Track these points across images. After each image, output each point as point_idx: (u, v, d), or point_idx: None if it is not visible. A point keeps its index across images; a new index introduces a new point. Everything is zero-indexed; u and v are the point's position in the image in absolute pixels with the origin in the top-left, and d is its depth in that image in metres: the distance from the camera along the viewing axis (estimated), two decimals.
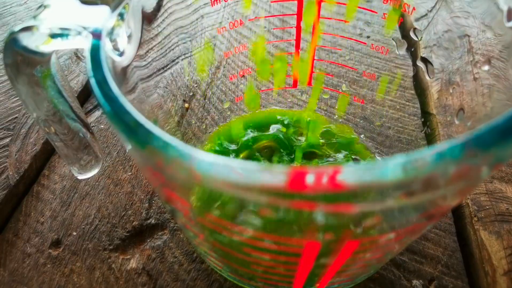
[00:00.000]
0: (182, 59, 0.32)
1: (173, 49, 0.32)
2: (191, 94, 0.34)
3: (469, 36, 0.29)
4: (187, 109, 0.33)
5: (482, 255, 0.26)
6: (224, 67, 0.35)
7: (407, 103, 0.32)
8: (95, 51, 0.17)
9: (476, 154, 0.11)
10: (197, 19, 0.33)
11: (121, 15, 0.20)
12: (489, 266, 0.25)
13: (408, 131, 0.31)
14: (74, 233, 0.28)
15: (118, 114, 0.14)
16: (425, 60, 0.28)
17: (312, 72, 0.31)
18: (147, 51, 0.29)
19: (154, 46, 0.30)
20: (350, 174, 0.10)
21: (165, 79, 0.31)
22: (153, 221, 0.29)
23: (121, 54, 0.20)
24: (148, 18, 0.26)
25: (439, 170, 0.11)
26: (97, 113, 0.38)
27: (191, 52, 0.33)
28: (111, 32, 0.20)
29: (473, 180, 0.14)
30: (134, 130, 0.13)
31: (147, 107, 0.26)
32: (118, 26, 0.20)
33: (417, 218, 0.14)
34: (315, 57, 0.30)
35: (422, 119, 0.28)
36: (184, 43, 0.32)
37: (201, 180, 0.12)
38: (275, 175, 0.11)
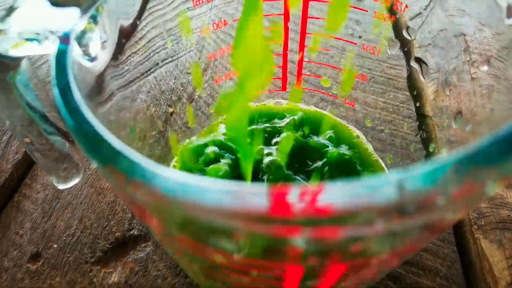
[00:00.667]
0: (168, 62, 0.31)
1: (158, 52, 0.31)
2: (176, 98, 0.32)
3: (465, 35, 0.28)
4: (171, 114, 0.32)
5: (483, 265, 0.24)
6: (211, 69, 0.34)
7: (401, 104, 0.31)
8: (61, 57, 0.16)
9: (481, 170, 0.10)
10: (182, 21, 0.31)
11: (93, 18, 0.19)
12: (491, 278, 0.23)
13: (402, 134, 0.30)
14: (55, 246, 0.27)
15: (80, 127, 0.13)
16: (419, 60, 0.27)
17: (301, 74, 0.29)
18: (130, 55, 0.27)
19: (138, 49, 0.28)
20: (341, 196, 0.09)
21: (148, 83, 0.30)
22: (136, 232, 0.27)
23: (92, 59, 0.19)
24: (127, 31, 0.24)
25: (438, 189, 0.09)
26: None
27: (177, 54, 0.32)
28: (81, 36, 0.18)
29: (477, 196, 0.13)
30: (95, 146, 0.12)
31: (127, 114, 0.24)
32: (90, 29, 0.19)
33: (414, 238, 0.13)
34: (304, 59, 0.28)
35: (418, 122, 0.27)
36: (172, 45, 0.31)
37: (168, 205, 0.11)
38: (255, 197, 0.09)
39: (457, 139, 0.26)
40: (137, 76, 0.28)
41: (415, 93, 0.27)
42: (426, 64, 0.27)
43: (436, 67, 0.29)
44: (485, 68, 0.26)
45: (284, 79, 0.31)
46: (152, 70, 0.30)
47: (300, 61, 0.29)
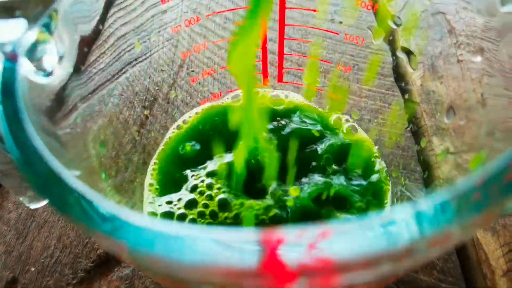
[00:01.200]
0: (141, 60, 0.29)
1: (129, 50, 0.28)
2: (152, 99, 0.30)
3: (444, 13, 0.26)
4: (147, 116, 0.30)
5: (479, 256, 0.23)
6: (187, 65, 0.32)
7: (388, 92, 0.30)
8: (6, 77, 0.14)
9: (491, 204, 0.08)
10: (152, 16, 0.29)
11: (46, 27, 0.17)
12: (487, 268, 0.23)
13: (391, 124, 0.29)
14: (32, 269, 0.25)
15: (30, 164, 0.11)
16: (406, 50, 0.25)
17: (282, 67, 0.27)
18: (98, 57, 0.25)
19: (106, 49, 0.26)
20: (345, 246, 0.08)
21: (120, 86, 0.27)
22: None
23: (48, 74, 0.16)
24: (89, 39, 0.22)
25: (453, 228, 0.08)
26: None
27: (150, 51, 0.30)
28: (32, 49, 0.16)
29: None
30: (50, 190, 0.10)
31: (97, 123, 0.22)
32: (43, 40, 0.17)
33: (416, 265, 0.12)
34: (284, 51, 0.27)
35: (407, 115, 0.26)
36: (143, 42, 0.29)
37: (135, 260, 0.09)
38: (243, 253, 0.08)
39: (447, 126, 0.25)
40: (108, 79, 0.26)
41: (403, 84, 0.26)
42: (414, 54, 0.25)
43: (417, 49, 0.28)
44: (473, 50, 0.24)
45: (264, 73, 0.30)
46: (123, 70, 0.28)
47: (281, 54, 0.27)
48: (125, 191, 0.24)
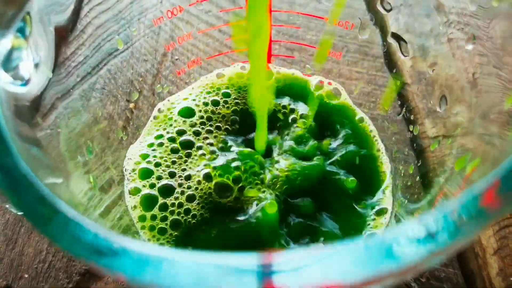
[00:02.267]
0: (122, 50, 0.28)
1: (109, 40, 0.27)
2: (136, 91, 0.29)
3: None
4: (132, 110, 0.29)
5: None
6: (172, 53, 0.31)
7: (378, 73, 0.29)
8: None
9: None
10: (131, 2, 0.28)
11: (20, 32, 0.16)
12: (479, 247, 0.23)
13: (382, 106, 0.29)
14: (26, 275, 0.24)
15: (16, 191, 0.11)
16: (396, 37, 0.25)
17: (270, 54, 0.27)
18: (76, 49, 0.24)
19: (85, 40, 0.25)
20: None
21: (101, 79, 0.26)
22: None
23: (27, 82, 0.16)
24: (63, 30, 0.21)
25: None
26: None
27: (131, 40, 0.29)
28: (8, 59, 0.15)
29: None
30: (31, 213, 0.10)
31: (77, 123, 0.21)
32: (19, 47, 0.16)
33: None
34: (272, 38, 0.26)
35: (399, 102, 0.25)
36: (124, 30, 0.28)
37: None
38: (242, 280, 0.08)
39: (439, 108, 0.25)
40: (88, 72, 0.25)
41: (394, 71, 0.25)
42: (405, 41, 0.25)
43: (406, 28, 0.27)
44: (463, 28, 0.24)
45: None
46: (104, 62, 0.27)
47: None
48: (113, 193, 0.23)
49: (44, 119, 0.19)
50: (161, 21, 0.27)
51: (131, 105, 0.29)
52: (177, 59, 0.30)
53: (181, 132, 0.27)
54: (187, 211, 0.23)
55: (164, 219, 0.23)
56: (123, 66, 0.28)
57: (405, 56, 0.24)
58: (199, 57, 0.29)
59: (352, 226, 0.22)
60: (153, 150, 0.27)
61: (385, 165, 0.25)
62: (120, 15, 0.27)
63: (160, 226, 0.23)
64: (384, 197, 0.23)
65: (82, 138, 0.22)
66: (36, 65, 0.15)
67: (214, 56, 0.29)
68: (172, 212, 0.23)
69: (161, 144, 0.26)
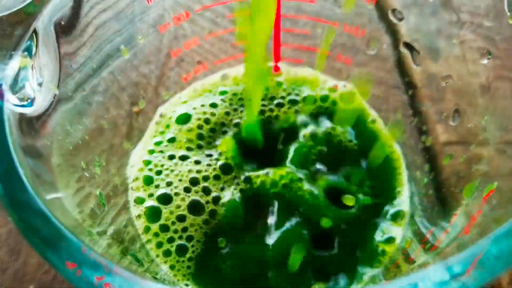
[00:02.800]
0: (124, 50, 0.27)
1: (111, 41, 0.26)
2: (141, 93, 0.29)
3: None
4: (137, 113, 0.28)
5: None
6: (177, 55, 0.30)
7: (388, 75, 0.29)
8: None
9: None
10: (133, 1, 0.27)
11: (28, 51, 0.15)
12: None
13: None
14: (31, 287, 0.25)
15: (32, 229, 0.10)
16: (409, 46, 0.24)
17: (279, 45, 0.26)
18: (77, 49, 0.23)
19: (86, 41, 0.24)
20: None
21: (104, 82, 0.26)
22: None
23: (32, 101, 0.15)
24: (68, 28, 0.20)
25: None
26: None
27: (135, 39, 0.28)
28: (15, 80, 0.15)
29: None
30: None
31: (79, 130, 0.20)
32: (25, 66, 0.15)
33: None
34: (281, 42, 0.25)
35: (411, 110, 0.25)
36: (126, 30, 0.27)
37: None
38: None
39: (450, 113, 0.25)
40: (90, 75, 0.24)
41: (406, 80, 0.25)
42: (418, 52, 0.24)
43: (415, 27, 0.27)
44: (475, 28, 0.24)
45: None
46: (106, 64, 0.26)
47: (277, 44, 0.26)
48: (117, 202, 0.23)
49: (45, 126, 0.18)
50: (165, 21, 0.26)
51: (135, 109, 0.28)
52: (182, 60, 0.30)
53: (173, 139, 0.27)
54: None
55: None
56: (126, 68, 0.27)
57: (417, 66, 0.24)
58: (206, 61, 0.28)
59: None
60: (155, 156, 0.26)
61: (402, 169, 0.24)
62: (122, 14, 0.26)
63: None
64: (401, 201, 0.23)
65: (84, 146, 0.21)
66: (40, 84, 0.15)
67: (222, 60, 0.28)
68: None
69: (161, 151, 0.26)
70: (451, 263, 0.08)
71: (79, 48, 0.22)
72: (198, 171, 0.25)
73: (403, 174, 0.23)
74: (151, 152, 0.26)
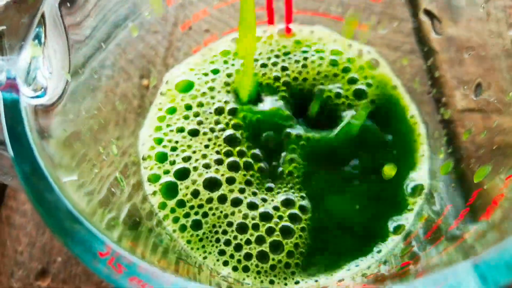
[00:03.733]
0: (131, 21, 0.27)
1: (116, 11, 0.26)
2: (149, 65, 0.28)
3: None
4: (147, 86, 0.28)
5: None
6: (182, 23, 0.29)
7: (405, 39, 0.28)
8: (13, 118, 0.13)
9: None
10: None
11: (38, 38, 0.15)
12: None
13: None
14: (59, 259, 0.25)
15: (62, 227, 0.11)
16: (429, 14, 0.23)
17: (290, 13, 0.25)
18: (82, 21, 0.22)
19: (90, 11, 0.24)
20: None
21: (111, 55, 0.25)
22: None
23: (45, 91, 0.15)
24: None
25: None
26: None
27: (139, 8, 0.27)
28: (28, 71, 0.15)
29: None
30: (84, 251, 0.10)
31: (91, 105, 0.20)
32: (37, 56, 0.15)
33: None
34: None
35: (430, 82, 0.24)
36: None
37: None
38: None
39: (470, 78, 0.24)
40: (96, 48, 0.24)
41: (425, 49, 0.24)
42: (438, 20, 0.23)
43: None
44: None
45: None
46: (112, 36, 0.25)
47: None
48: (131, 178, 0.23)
49: (60, 100, 0.18)
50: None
51: (145, 82, 0.28)
52: (190, 28, 0.29)
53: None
54: None
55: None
56: (132, 40, 0.26)
57: (438, 35, 0.23)
58: (216, 32, 0.27)
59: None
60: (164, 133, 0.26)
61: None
62: None
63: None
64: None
65: (97, 122, 0.21)
66: (51, 72, 0.15)
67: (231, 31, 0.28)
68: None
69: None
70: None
71: (84, 19, 0.22)
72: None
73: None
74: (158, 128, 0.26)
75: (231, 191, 0.22)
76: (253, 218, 0.21)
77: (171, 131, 0.25)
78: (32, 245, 0.26)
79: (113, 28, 0.25)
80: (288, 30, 0.27)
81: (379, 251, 0.19)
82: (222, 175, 0.23)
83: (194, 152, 0.24)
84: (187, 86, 0.27)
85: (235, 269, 0.20)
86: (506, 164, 0.15)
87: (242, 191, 0.22)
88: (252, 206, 0.22)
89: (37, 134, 0.13)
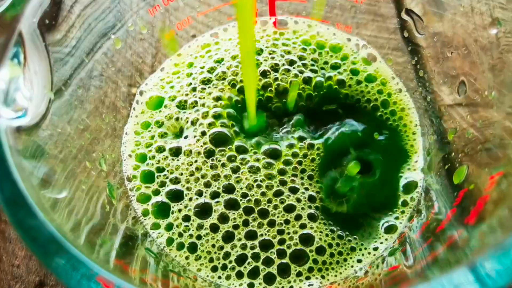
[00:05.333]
0: (117, 29, 0.26)
1: (102, 19, 0.25)
2: (138, 74, 0.28)
3: None
4: (134, 95, 0.28)
5: None
6: (169, 28, 0.29)
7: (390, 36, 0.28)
8: None
9: None
10: None
11: (16, 57, 0.15)
12: None
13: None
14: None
15: (45, 252, 0.10)
16: (410, 13, 0.23)
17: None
18: (67, 32, 0.22)
19: (74, 22, 0.23)
20: None
21: (99, 64, 0.25)
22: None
23: (26, 111, 0.15)
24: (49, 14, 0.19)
25: None
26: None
27: (124, 16, 0.27)
28: (7, 93, 0.15)
29: None
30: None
31: (78, 118, 0.20)
32: (16, 76, 0.15)
33: None
34: None
35: (415, 73, 0.24)
36: (115, 6, 0.26)
37: None
38: None
39: (456, 73, 0.24)
40: (83, 59, 0.23)
41: (409, 49, 0.24)
42: (421, 18, 0.23)
43: None
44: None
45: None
46: (98, 45, 0.25)
47: None
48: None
49: (43, 119, 0.17)
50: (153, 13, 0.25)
51: (134, 90, 0.28)
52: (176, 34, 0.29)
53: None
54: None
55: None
56: (121, 48, 0.26)
57: (421, 35, 0.22)
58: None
59: None
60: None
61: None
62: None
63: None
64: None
65: (86, 135, 0.21)
66: (31, 93, 0.15)
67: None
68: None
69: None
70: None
71: (68, 30, 0.21)
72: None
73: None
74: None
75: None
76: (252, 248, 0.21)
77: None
78: (29, 258, 0.25)
79: (98, 37, 0.25)
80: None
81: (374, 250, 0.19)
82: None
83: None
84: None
85: None
86: (490, 164, 0.15)
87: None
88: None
89: (20, 155, 0.13)
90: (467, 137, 0.18)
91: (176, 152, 0.24)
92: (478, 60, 0.22)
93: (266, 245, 0.21)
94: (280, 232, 0.21)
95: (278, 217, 0.21)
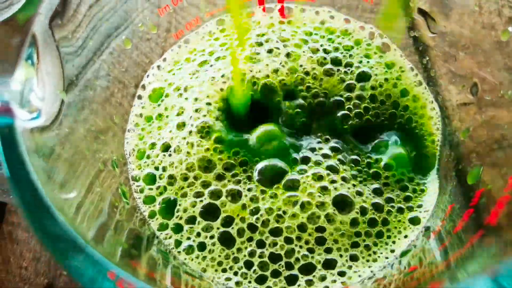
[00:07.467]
0: (123, 29, 0.26)
1: (108, 19, 0.25)
2: (144, 74, 0.28)
3: None
4: (140, 96, 0.28)
5: None
6: (175, 28, 0.29)
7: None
8: (9, 147, 0.12)
9: None
10: None
11: (30, 58, 0.14)
12: None
13: None
14: (65, 273, 0.25)
15: (62, 253, 0.10)
16: (423, 13, 0.22)
17: None
18: (73, 32, 0.22)
19: (81, 22, 0.23)
20: None
21: (105, 64, 0.25)
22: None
23: (40, 112, 0.14)
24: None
25: None
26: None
27: (130, 16, 0.27)
28: (22, 94, 0.14)
29: None
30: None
31: (86, 118, 0.19)
32: (30, 77, 0.15)
33: None
34: None
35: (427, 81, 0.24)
36: (121, 6, 0.26)
37: None
38: None
39: (464, 73, 0.24)
40: (90, 58, 0.23)
41: (420, 48, 0.23)
42: (433, 19, 0.23)
43: None
44: None
45: None
46: (105, 45, 0.25)
47: None
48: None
49: (56, 120, 0.17)
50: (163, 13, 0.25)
51: (141, 91, 0.27)
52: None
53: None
54: None
55: None
56: (126, 48, 0.26)
57: (433, 34, 0.22)
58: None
59: None
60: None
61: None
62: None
63: None
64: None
65: (96, 135, 0.21)
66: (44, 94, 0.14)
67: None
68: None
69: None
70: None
71: (75, 30, 0.21)
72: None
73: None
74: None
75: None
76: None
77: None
78: (37, 260, 0.25)
79: (104, 37, 0.24)
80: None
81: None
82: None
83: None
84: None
85: None
86: (506, 164, 0.14)
87: None
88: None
89: (36, 156, 0.12)
90: (480, 137, 0.18)
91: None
92: (492, 59, 0.22)
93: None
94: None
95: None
